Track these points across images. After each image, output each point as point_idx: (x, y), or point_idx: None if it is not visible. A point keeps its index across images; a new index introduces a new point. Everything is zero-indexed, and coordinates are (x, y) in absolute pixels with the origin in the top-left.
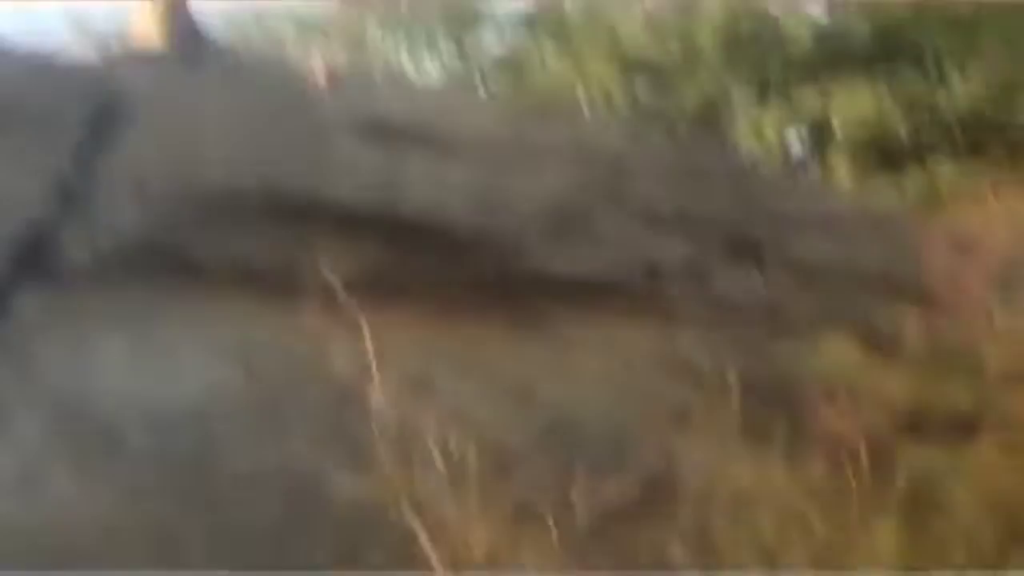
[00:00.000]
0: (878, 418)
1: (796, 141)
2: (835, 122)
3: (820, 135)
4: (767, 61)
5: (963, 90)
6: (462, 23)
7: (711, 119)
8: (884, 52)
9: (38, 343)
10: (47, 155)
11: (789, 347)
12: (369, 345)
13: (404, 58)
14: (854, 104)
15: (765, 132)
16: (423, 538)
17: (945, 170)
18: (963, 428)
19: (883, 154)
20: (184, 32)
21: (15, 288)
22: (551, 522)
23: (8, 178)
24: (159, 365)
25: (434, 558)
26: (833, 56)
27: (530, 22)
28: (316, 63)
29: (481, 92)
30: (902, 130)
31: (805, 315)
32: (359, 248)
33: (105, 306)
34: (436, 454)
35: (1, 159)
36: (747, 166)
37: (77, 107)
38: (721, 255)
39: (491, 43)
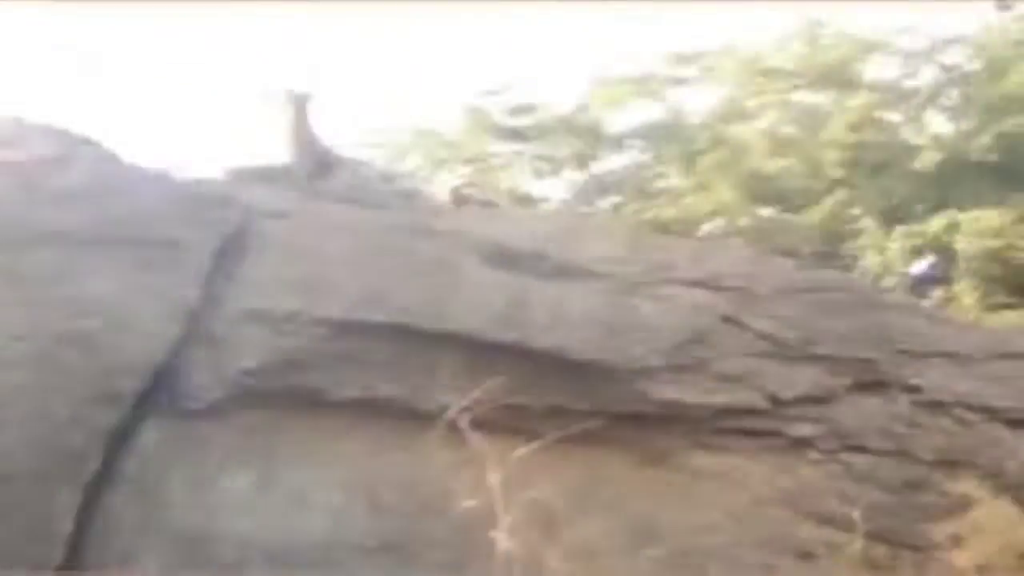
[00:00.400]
0: (1006, 560)
1: (922, 265)
2: (961, 246)
3: (946, 260)
4: (892, 181)
5: None
6: (586, 143)
7: (836, 241)
8: (1012, 166)
9: (163, 476)
10: (176, 281)
11: (916, 482)
12: (494, 477)
13: (528, 178)
14: (981, 227)
15: (890, 256)
16: None
17: None
18: None
19: (1011, 281)
20: (310, 150)
21: (141, 418)
22: None
23: (136, 305)
24: (283, 499)
25: None
26: (959, 173)
27: (654, 142)
28: (442, 183)
29: (604, 214)
30: None
31: (933, 450)
32: (485, 378)
33: (230, 438)
34: None
35: (129, 285)
36: (872, 291)
37: (205, 231)
38: (847, 385)
39: (615, 163)
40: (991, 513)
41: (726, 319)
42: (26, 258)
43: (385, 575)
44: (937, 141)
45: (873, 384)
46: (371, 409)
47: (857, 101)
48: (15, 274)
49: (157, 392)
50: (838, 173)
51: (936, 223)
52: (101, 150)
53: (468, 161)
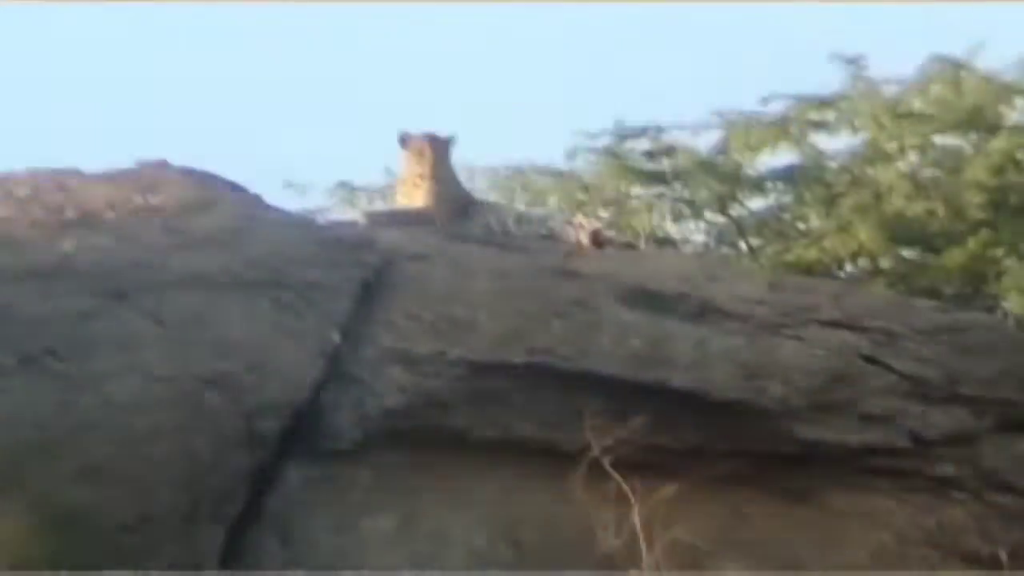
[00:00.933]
0: None
1: None
2: None
3: None
4: None
5: None
6: (725, 186)
7: (978, 283)
8: None
9: (306, 517)
10: (316, 323)
11: None
12: (637, 517)
13: (667, 219)
14: None
15: None
16: None
17: None
18: None
19: None
20: (450, 194)
21: (283, 459)
22: None
23: (277, 347)
24: (425, 539)
25: None
26: None
27: (793, 184)
28: (580, 224)
29: (744, 256)
30: None
31: None
32: (626, 418)
33: (371, 479)
34: None
35: (270, 327)
36: (1015, 332)
37: (345, 273)
38: (990, 426)
39: (754, 204)
40: None
41: (868, 359)
42: (168, 301)
43: None
44: None
45: (1017, 425)
46: (512, 449)
47: (999, 144)
48: (157, 317)
49: (299, 433)
50: (980, 215)
51: None
52: (244, 195)
53: (607, 203)
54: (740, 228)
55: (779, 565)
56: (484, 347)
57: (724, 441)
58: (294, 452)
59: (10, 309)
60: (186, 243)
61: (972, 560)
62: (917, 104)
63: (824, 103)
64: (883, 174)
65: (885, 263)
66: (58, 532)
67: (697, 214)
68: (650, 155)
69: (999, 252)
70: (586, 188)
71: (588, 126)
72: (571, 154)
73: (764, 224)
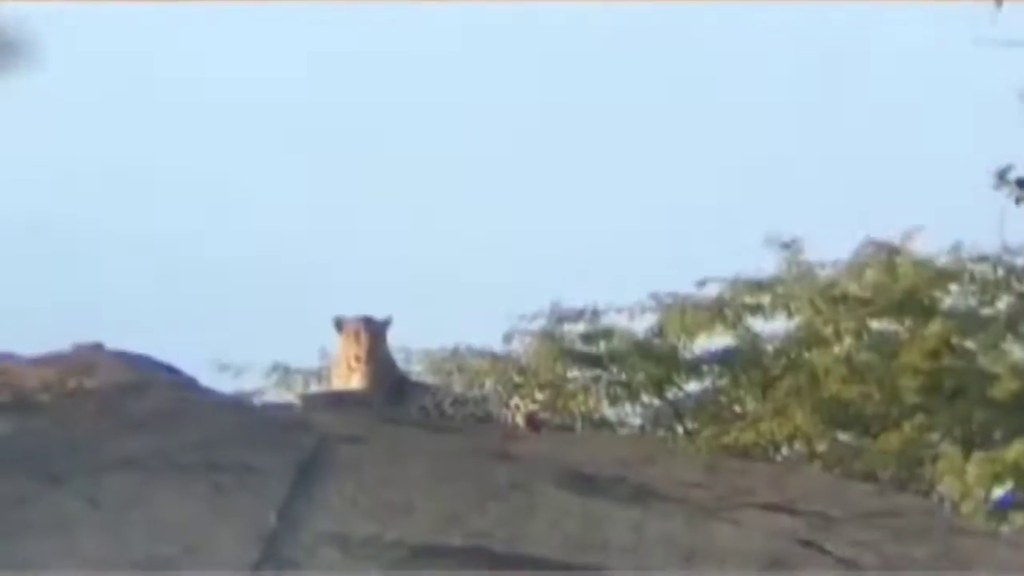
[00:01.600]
0: None
1: (1001, 491)
2: None
3: None
4: (970, 407)
5: None
6: (662, 369)
7: (914, 466)
8: None
9: None
10: (252, 505)
11: None
12: None
13: (604, 402)
14: None
15: (968, 481)
16: None
17: None
18: None
19: None
20: (385, 376)
21: None
22: None
23: (215, 529)
24: None
25: None
26: None
27: (730, 365)
28: (516, 406)
29: (681, 438)
30: None
31: None
32: None
33: None
34: None
35: (209, 509)
36: (950, 516)
37: (281, 456)
38: None
39: (690, 387)
40: None
41: (805, 543)
42: (104, 484)
43: None
44: (1015, 369)
45: None
46: None
47: (934, 328)
48: (93, 500)
49: None
50: (915, 399)
51: (1015, 449)
52: (179, 377)
53: (543, 386)
54: (677, 411)
55: None
56: (421, 530)
57: None
58: None
59: None
60: (121, 426)
61: None
62: (852, 288)
63: (760, 287)
64: (819, 358)
65: (821, 446)
66: None
67: (634, 397)
68: (586, 338)
69: (934, 436)
70: (522, 370)
71: (525, 307)
72: (507, 337)
73: (701, 407)
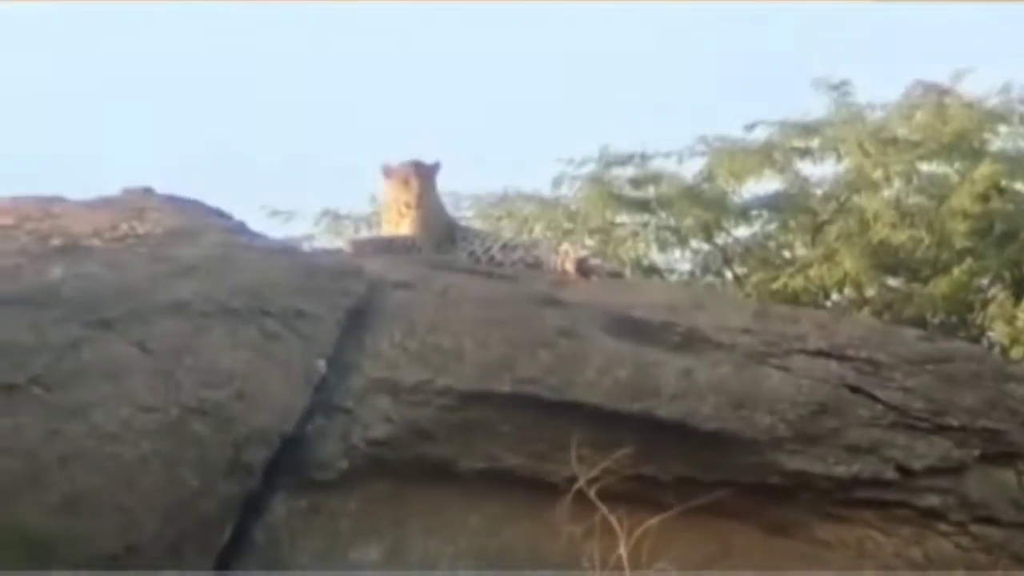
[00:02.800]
0: None
1: None
2: None
3: None
4: (1021, 251)
5: None
6: (711, 214)
7: (964, 311)
8: None
9: (293, 547)
10: (302, 352)
11: None
12: (622, 549)
13: (653, 247)
14: None
15: (1018, 326)
16: None
17: None
18: None
19: None
20: (435, 221)
21: (270, 489)
22: None
23: (264, 376)
24: (412, 571)
25: None
26: None
27: (778, 210)
28: (566, 252)
29: (730, 284)
30: None
31: None
32: (612, 449)
33: (357, 510)
34: None
35: (257, 356)
36: (1001, 362)
37: (331, 302)
38: (976, 457)
39: (739, 232)
40: None
41: (854, 389)
42: (155, 329)
43: None
44: None
45: (1003, 456)
46: (498, 480)
47: (984, 171)
48: (144, 345)
49: (286, 463)
50: (965, 243)
51: None
52: (229, 222)
53: (593, 231)
54: (726, 256)
55: None
56: (470, 376)
57: (710, 472)
58: (281, 482)
59: None
60: (172, 271)
61: None
62: (902, 130)
63: (809, 130)
64: (868, 202)
65: (871, 292)
66: (44, 563)
67: (683, 242)
68: (636, 183)
69: (984, 281)
70: (572, 216)
71: (575, 151)
72: (557, 181)
73: (750, 252)
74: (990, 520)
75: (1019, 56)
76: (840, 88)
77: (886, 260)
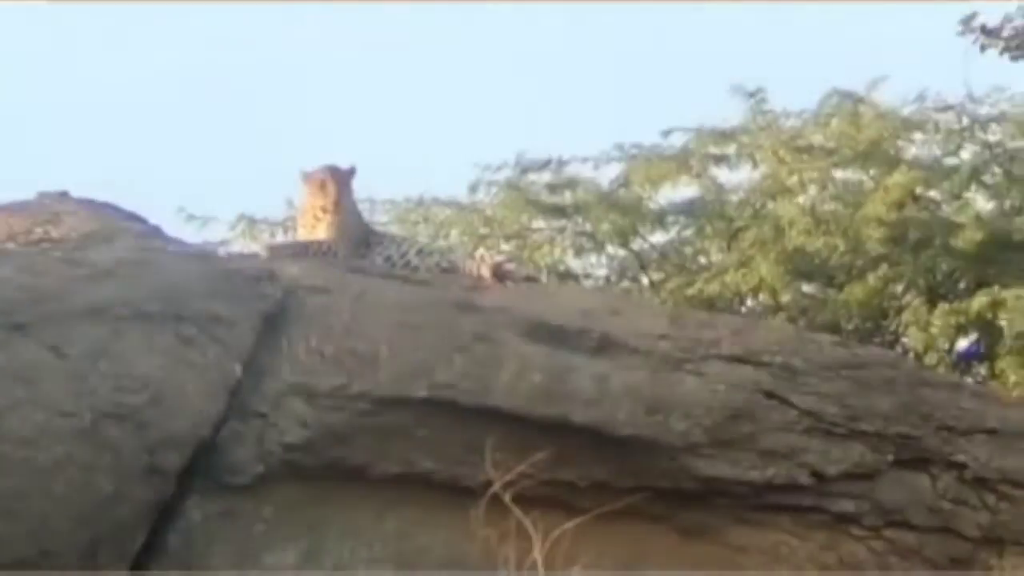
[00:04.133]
0: None
1: (965, 343)
2: (1004, 323)
3: (989, 336)
4: (934, 258)
5: None
6: (627, 220)
7: (878, 318)
8: None
9: (207, 551)
10: (218, 356)
11: (962, 559)
12: (537, 553)
13: (569, 253)
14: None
15: (932, 332)
16: None
17: None
18: None
19: None
20: (351, 226)
21: (185, 494)
22: None
23: (179, 380)
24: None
25: None
26: (1001, 250)
27: (694, 216)
28: (482, 257)
29: (646, 290)
30: None
31: (978, 527)
32: (527, 453)
33: (273, 514)
34: None
35: (174, 360)
36: (915, 368)
37: (246, 306)
38: (890, 462)
39: (655, 238)
40: None
41: (769, 395)
42: (69, 334)
43: None
44: (979, 219)
45: (917, 461)
46: (415, 484)
47: (899, 178)
48: (59, 349)
49: (200, 468)
50: (880, 250)
51: (979, 300)
52: (145, 226)
53: (509, 236)
54: (642, 262)
55: None
56: (386, 381)
57: (625, 476)
58: (196, 487)
59: None
60: (87, 275)
61: None
62: (817, 138)
63: (725, 136)
64: (783, 209)
65: (786, 298)
66: None
67: (599, 248)
68: (552, 188)
69: (899, 287)
70: (488, 221)
71: (491, 158)
72: (473, 187)
73: (665, 258)
74: (904, 525)
75: (935, 59)
76: (756, 95)
77: (801, 266)
